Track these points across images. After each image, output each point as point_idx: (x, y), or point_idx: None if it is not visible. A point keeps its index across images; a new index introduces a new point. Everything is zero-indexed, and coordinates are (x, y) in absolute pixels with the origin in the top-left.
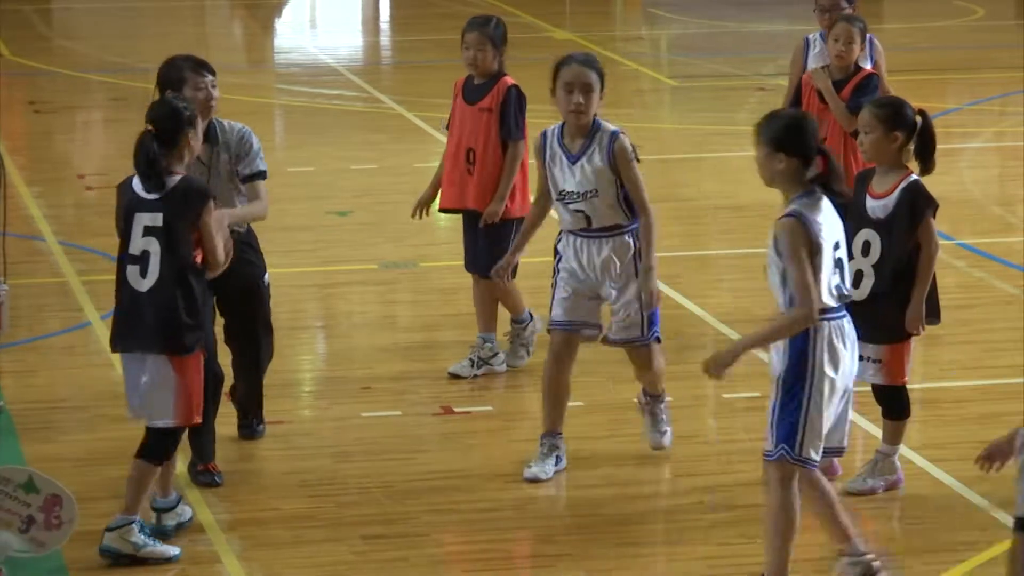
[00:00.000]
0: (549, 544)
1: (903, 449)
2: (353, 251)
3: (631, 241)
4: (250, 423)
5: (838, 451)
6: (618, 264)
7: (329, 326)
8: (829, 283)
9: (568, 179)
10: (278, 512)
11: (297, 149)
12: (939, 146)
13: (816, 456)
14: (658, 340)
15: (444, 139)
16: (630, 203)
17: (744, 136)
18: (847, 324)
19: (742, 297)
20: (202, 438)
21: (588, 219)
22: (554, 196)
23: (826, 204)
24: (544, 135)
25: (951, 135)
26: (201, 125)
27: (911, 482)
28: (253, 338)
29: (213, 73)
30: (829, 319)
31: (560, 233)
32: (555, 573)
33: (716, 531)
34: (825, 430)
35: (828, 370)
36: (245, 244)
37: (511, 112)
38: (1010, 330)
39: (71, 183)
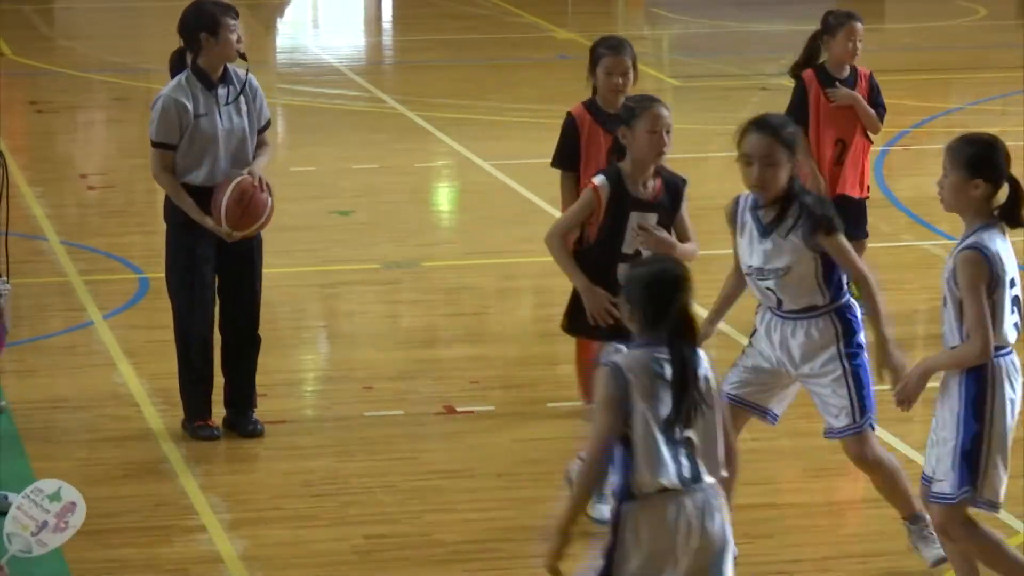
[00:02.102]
0: None
1: (906, 448)
2: (355, 251)
3: (833, 323)
4: (244, 412)
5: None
6: (816, 349)
7: (331, 326)
8: (1006, 320)
9: (755, 253)
10: (280, 512)
11: (299, 149)
12: (942, 146)
13: (998, 499)
14: (872, 427)
15: (446, 138)
16: (831, 280)
17: None
18: (1018, 361)
19: (744, 297)
20: (191, 390)
21: (779, 299)
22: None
23: (1004, 237)
24: (736, 201)
25: (953, 135)
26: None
27: (914, 482)
28: (244, 293)
29: (237, 16)
30: (1004, 355)
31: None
32: None
33: None
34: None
35: (1004, 407)
36: None
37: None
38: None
39: (73, 183)
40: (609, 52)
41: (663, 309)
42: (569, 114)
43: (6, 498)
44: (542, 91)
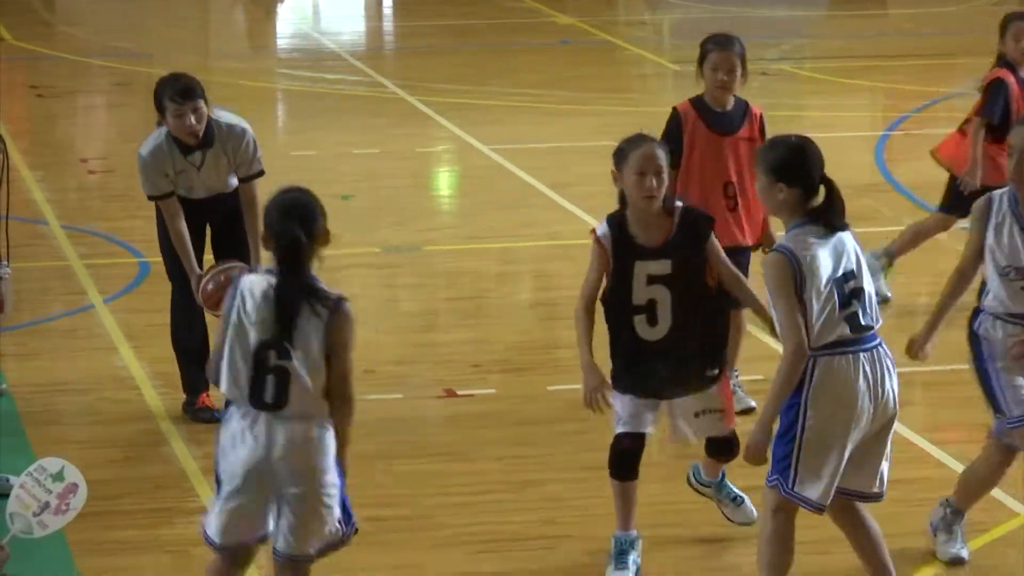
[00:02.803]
0: (551, 526)
1: (907, 432)
2: (355, 235)
3: None
4: None
5: (863, 496)
6: None
7: None
8: (833, 315)
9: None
10: None
11: (299, 134)
12: (944, 130)
13: (814, 496)
14: None
15: (446, 122)
16: None
17: None
18: (871, 356)
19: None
20: (189, 371)
21: None
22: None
23: (823, 236)
24: (991, 199)
25: (955, 119)
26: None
27: (915, 464)
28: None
29: (197, 97)
30: (833, 353)
31: (982, 313)
32: (556, 554)
33: (717, 512)
34: (831, 470)
35: (827, 406)
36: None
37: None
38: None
39: (74, 167)
40: (716, 48)
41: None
42: (674, 109)
43: (7, 480)
44: (543, 76)
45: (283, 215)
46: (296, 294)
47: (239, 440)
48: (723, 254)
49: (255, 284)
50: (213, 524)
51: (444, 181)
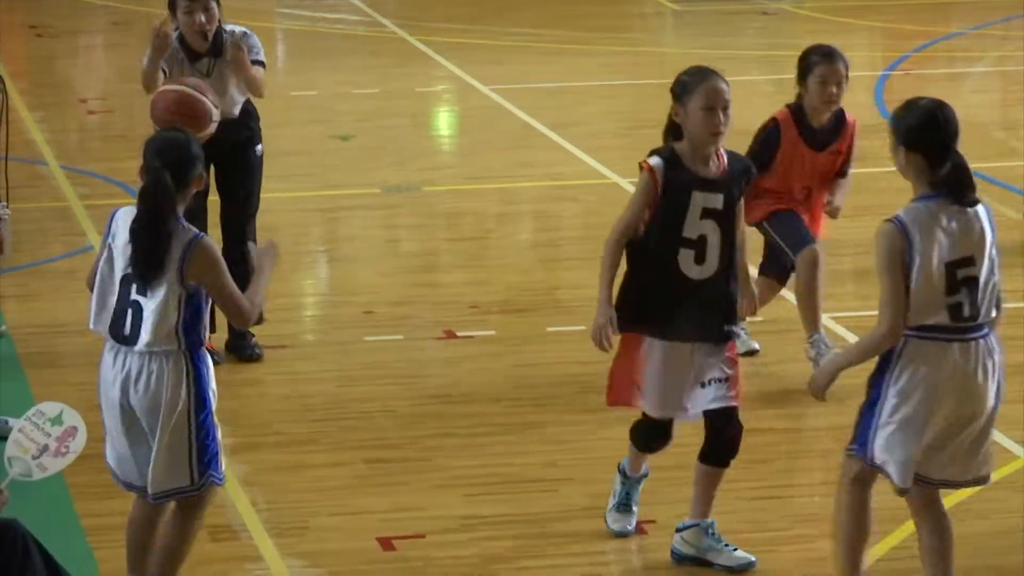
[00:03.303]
0: (551, 468)
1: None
2: (355, 175)
3: None
4: (243, 335)
5: (947, 484)
6: None
7: (331, 250)
8: (936, 299)
9: None
10: (281, 437)
11: (298, 73)
12: (943, 70)
13: (893, 475)
14: None
15: (446, 62)
16: None
17: (747, 61)
18: (968, 347)
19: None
20: None
21: None
22: None
23: (956, 210)
24: None
25: (954, 60)
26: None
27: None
28: (239, 200)
29: None
30: (925, 337)
31: None
32: (557, 497)
33: None
34: (912, 453)
35: (910, 388)
36: (244, 112)
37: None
38: (1011, 254)
39: (73, 107)
40: (825, 60)
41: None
42: (774, 120)
43: (6, 423)
44: (542, 15)
45: (155, 153)
46: (152, 231)
47: (107, 374)
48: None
49: (127, 217)
50: (110, 458)
51: (444, 121)
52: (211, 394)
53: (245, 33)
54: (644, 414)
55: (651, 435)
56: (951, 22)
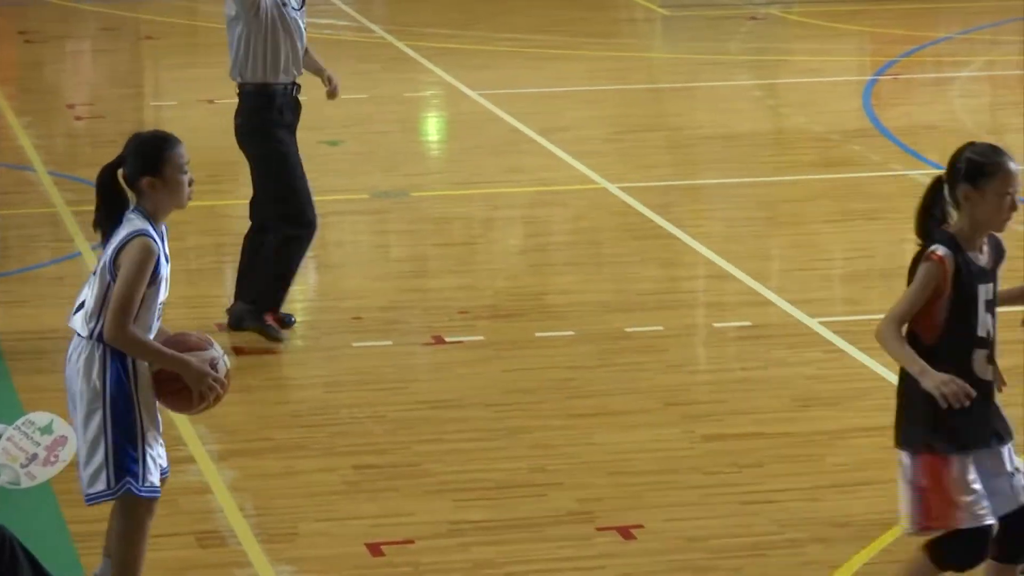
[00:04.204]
0: (540, 473)
1: (894, 378)
2: (344, 180)
3: None
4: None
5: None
6: None
7: (320, 256)
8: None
9: None
10: (269, 442)
11: None
12: (931, 75)
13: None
14: None
15: (435, 67)
16: None
17: (735, 66)
18: None
19: (734, 226)
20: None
21: None
22: None
23: None
24: None
25: (942, 64)
26: None
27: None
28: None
29: None
30: None
31: None
32: (546, 502)
33: (706, 459)
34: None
35: None
36: None
37: None
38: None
39: (61, 113)
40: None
41: None
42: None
43: None
44: (531, 21)
45: (129, 144)
46: (104, 220)
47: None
48: None
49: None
50: None
51: (433, 126)
52: (134, 391)
53: None
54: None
55: (971, 547)
56: (939, 27)
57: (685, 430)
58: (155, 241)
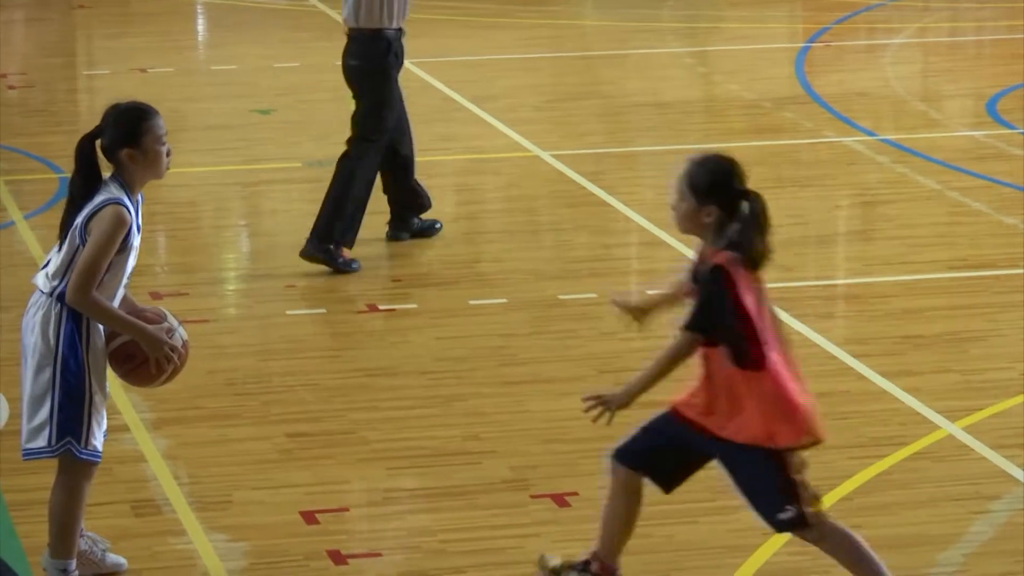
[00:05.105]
0: (474, 441)
1: (828, 344)
2: (277, 149)
3: None
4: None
5: None
6: None
7: (253, 224)
8: None
9: None
10: (203, 411)
11: (220, 48)
12: (864, 42)
13: None
14: None
15: None
16: None
17: (667, 33)
18: None
19: (665, 193)
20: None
21: None
22: None
23: None
24: None
25: (875, 31)
26: None
27: (836, 378)
28: None
29: None
30: None
31: None
32: (480, 470)
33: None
34: None
35: None
36: None
37: None
38: (932, 225)
39: None
40: None
41: None
42: None
43: None
44: None
45: (108, 115)
46: (79, 188)
47: None
48: None
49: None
50: None
51: None
52: (85, 354)
53: None
54: None
55: None
56: None
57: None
58: (128, 211)
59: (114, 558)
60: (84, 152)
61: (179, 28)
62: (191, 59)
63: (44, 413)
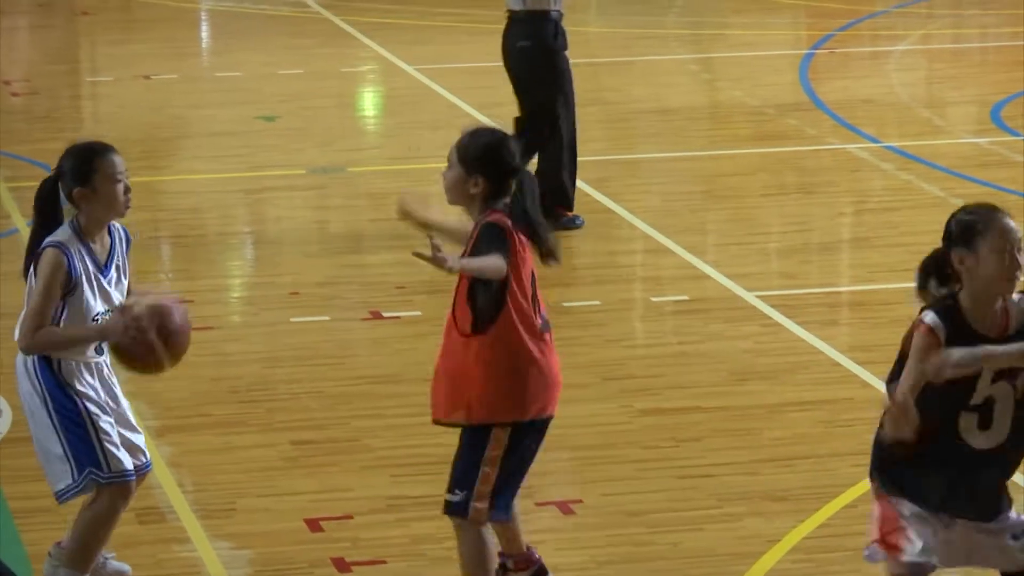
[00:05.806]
0: None
1: (832, 351)
2: (281, 156)
3: None
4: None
5: None
6: None
7: (257, 232)
8: None
9: None
10: (207, 418)
11: (223, 54)
12: (867, 49)
13: None
14: None
15: (371, 42)
16: None
17: (671, 39)
18: None
19: (671, 200)
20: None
21: None
22: None
23: None
24: None
25: (879, 38)
26: None
27: (840, 385)
28: None
29: None
30: None
31: None
32: None
33: (644, 434)
34: None
35: None
36: None
37: None
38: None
39: None
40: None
41: None
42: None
43: None
44: None
45: (63, 157)
46: (32, 231)
47: None
48: None
49: None
50: None
51: (369, 102)
52: (73, 390)
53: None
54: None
55: None
56: (876, 1)
57: (623, 404)
58: (65, 253)
59: (118, 565)
60: (42, 195)
61: (183, 35)
62: (195, 66)
63: (58, 452)
